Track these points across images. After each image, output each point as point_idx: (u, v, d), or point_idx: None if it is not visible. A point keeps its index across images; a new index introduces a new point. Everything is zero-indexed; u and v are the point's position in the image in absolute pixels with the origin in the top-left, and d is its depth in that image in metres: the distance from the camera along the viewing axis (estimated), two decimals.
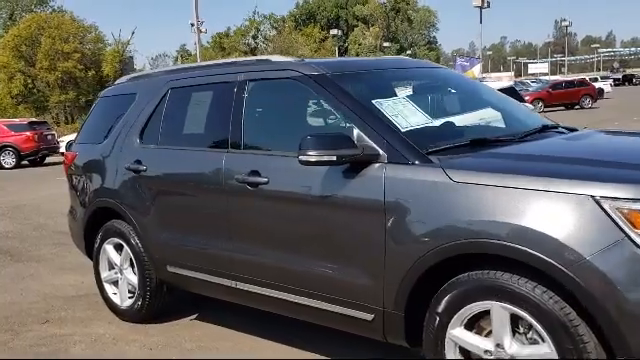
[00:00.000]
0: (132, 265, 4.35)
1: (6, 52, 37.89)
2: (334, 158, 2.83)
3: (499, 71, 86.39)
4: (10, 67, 37.79)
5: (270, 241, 3.36)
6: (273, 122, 3.70)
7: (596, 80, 46.92)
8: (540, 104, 31.07)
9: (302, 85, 3.33)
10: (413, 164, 2.78)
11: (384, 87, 3.59)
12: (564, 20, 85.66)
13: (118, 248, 4.47)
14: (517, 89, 17.49)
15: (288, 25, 60.14)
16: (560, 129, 3.58)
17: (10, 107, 38.03)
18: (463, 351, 2.64)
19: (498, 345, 2.51)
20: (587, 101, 33.99)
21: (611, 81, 54.30)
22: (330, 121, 3.59)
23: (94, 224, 4.62)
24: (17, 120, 23.83)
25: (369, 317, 2.90)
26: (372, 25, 75.06)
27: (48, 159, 21.77)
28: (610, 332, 2.24)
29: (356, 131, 2.93)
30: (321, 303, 3.10)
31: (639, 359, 2.20)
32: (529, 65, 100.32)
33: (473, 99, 3.95)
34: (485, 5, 36.91)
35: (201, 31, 33.03)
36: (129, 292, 4.43)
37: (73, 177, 4.92)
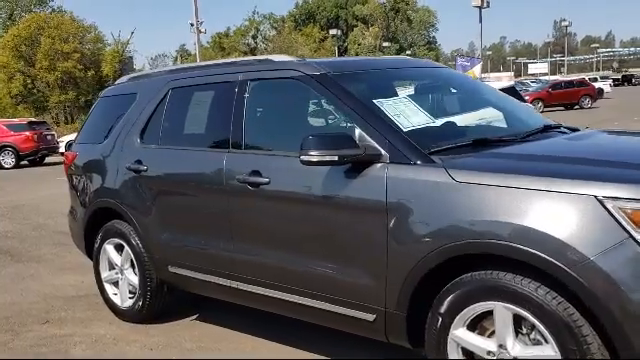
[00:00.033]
0: (133, 265, 4.34)
1: (6, 52, 37.84)
2: (336, 158, 2.82)
3: (498, 71, 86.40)
4: (10, 67, 37.74)
5: (271, 241, 3.35)
6: (274, 122, 3.69)
7: (595, 80, 46.95)
8: (540, 104, 31.07)
9: (304, 85, 3.32)
10: (415, 164, 2.77)
11: (386, 87, 3.59)
12: (564, 20, 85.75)
13: (119, 248, 4.46)
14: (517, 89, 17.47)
15: (288, 25, 60.24)
16: (562, 129, 3.57)
17: (10, 107, 38.00)
18: (466, 352, 2.63)
19: (501, 346, 2.50)
20: (587, 101, 34.00)
21: (610, 81, 54.36)
22: (332, 121, 3.58)
23: (94, 224, 4.61)
24: (16, 120, 23.81)
25: (371, 317, 2.89)
26: (372, 25, 75.09)
27: (47, 159, 21.77)
28: (614, 332, 2.23)
29: (358, 131, 2.93)
30: (323, 304, 3.09)
31: None
32: (529, 65, 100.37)
33: (475, 99, 3.94)
34: (484, 5, 36.85)
35: (201, 31, 33.02)
36: (130, 292, 4.42)
37: (73, 177, 4.91)
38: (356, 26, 75.76)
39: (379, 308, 2.85)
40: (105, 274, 4.58)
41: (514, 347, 2.47)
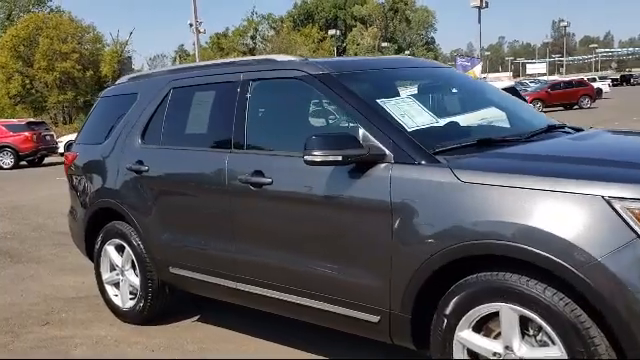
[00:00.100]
0: (134, 266, 4.32)
1: (4, 52, 37.78)
2: (340, 158, 2.80)
3: (497, 71, 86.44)
4: (8, 67, 37.67)
5: (274, 242, 3.33)
6: (277, 122, 3.66)
7: (594, 80, 46.98)
8: (539, 104, 31.07)
9: (306, 85, 3.30)
10: (420, 164, 2.75)
11: (389, 87, 3.57)
12: (562, 20, 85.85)
13: (119, 249, 4.43)
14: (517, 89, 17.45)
15: (286, 25, 60.16)
16: (566, 129, 3.55)
17: (8, 107, 37.92)
18: (471, 353, 2.61)
19: (507, 347, 2.48)
20: (586, 101, 34.03)
21: (609, 81, 54.41)
22: (335, 121, 3.56)
23: (95, 225, 4.58)
24: (15, 120, 23.77)
25: (375, 319, 2.87)
26: (370, 25, 75.15)
27: (46, 159, 21.75)
28: (621, 333, 2.21)
29: (362, 131, 2.91)
30: (326, 305, 3.06)
31: None
32: (527, 65, 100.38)
33: (478, 99, 3.93)
34: (483, 5, 36.88)
35: (200, 31, 32.96)
36: (131, 294, 4.40)
37: (74, 178, 4.89)
38: (355, 26, 75.80)
39: (383, 309, 2.83)
40: (106, 275, 4.56)
41: (520, 349, 2.44)
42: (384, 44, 72.90)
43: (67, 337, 4.24)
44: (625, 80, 70.47)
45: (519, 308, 2.40)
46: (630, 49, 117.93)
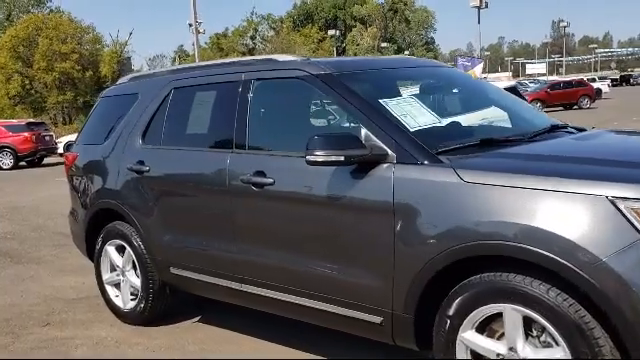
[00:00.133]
0: (134, 267, 4.30)
1: (3, 53, 37.79)
2: (342, 158, 2.79)
3: (497, 71, 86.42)
4: (7, 68, 37.68)
5: (275, 242, 3.32)
6: (279, 122, 3.64)
7: (594, 80, 46.99)
8: (539, 104, 31.08)
9: (308, 85, 3.29)
10: (422, 164, 2.73)
11: (391, 86, 3.55)
12: (562, 20, 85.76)
13: (120, 250, 4.42)
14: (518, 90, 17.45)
15: (286, 26, 60.16)
16: (569, 129, 3.54)
17: (8, 108, 37.92)
18: (474, 354, 2.60)
19: (511, 348, 2.46)
20: (585, 101, 34.05)
21: (609, 81, 54.44)
22: (337, 121, 3.55)
23: (96, 225, 4.57)
24: (15, 121, 23.76)
25: (378, 320, 2.86)
26: (370, 25, 75.09)
27: (46, 160, 21.76)
28: (625, 333, 2.20)
29: (364, 131, 2.89)
30: (329, 306, 3.05)
31: None
32: (527, 65, 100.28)
33: (479, 98, 3.91)
34: (483, 5, 36.91)
35: (199, 32, 32.94)
36: (131, 294, 4.38)
37: (74, 178, 4.87)
38: (354, 27, 75.75)
39: (386, 310, 2.81)
40: (106, 276, 4.55)
41: (524, 349, 2.43)
42: (384, 44, 72.88)
43: (67, 338, 4.22)
44: (625, 80, 70.51)
45: (523, 309, 2.39)
46: (629, 49, 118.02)
